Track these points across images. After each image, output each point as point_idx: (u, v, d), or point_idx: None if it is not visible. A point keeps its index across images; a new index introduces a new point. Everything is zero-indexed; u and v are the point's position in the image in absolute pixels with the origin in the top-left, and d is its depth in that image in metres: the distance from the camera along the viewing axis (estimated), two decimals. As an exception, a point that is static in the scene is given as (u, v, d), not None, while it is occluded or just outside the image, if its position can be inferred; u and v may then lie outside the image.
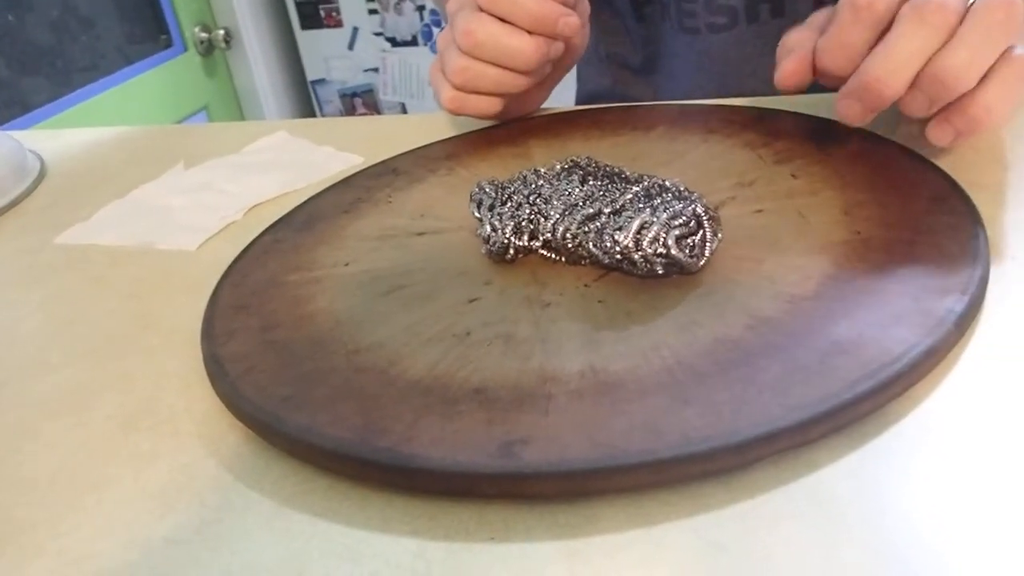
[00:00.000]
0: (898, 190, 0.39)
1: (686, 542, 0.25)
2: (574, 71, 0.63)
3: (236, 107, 2.11)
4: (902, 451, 0.27)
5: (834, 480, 0.26)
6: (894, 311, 0.31)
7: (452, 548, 0.27)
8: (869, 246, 0.35)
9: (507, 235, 0.39)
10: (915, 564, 0.23)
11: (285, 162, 0.60)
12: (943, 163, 0.42)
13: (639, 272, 0.36)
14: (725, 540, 0.25)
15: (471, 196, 0.43)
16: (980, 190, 0.39)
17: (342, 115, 2.11)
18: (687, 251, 0.36)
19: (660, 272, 0.36)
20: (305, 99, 2.21)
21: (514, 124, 0.56)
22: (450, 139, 0.55)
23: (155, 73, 1.87)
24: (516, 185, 0.42)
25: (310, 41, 2.05)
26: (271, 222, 0.48)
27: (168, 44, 1.91)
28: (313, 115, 2.17)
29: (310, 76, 2.10)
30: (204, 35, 1.98)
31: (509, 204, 0.41)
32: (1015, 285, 0.33)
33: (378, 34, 1.99)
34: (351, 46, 2.02)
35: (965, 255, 0.33)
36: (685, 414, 0.28)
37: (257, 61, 2.06)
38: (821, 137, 0.45)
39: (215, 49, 2.03)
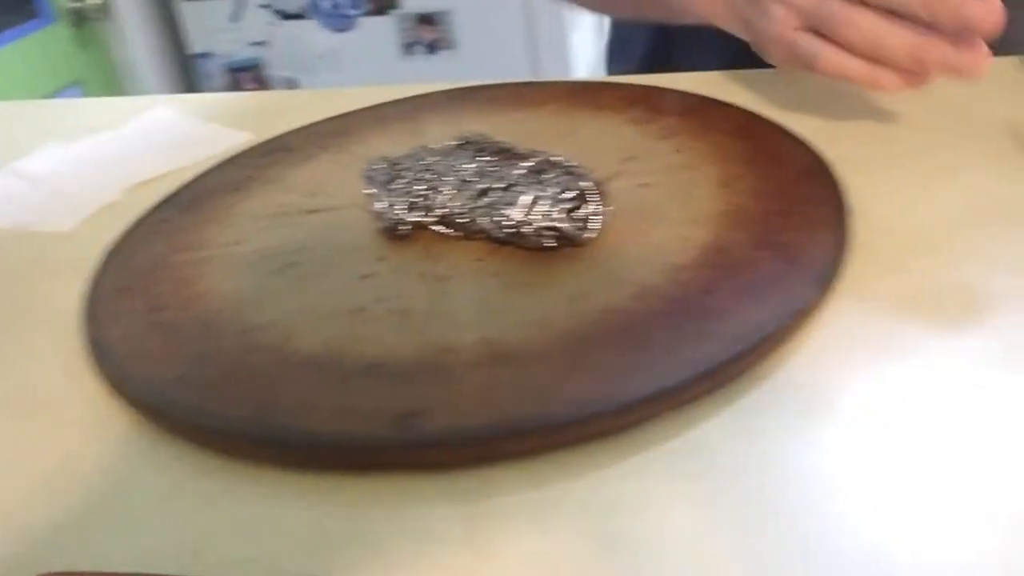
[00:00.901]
0: (772, 164, 0.41)
1: (580, 502, 0.27)
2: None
3: (114, 82, 2.01)
4: (774, 405, 0.29)
5: (715, 436, 0.28)
6: (767, 276, 0.33)
7: (352, 520, 0.27)
8: (745, 216, 0.37)
9: (400, 211, 0.39)
10: (793, 508, 0.25)
11: (168, 139, 0.58)
12: (811, 139, 0.45)
13: (530, 245, 0.37)
14: (618, 498, 0.27)
15: (364, 173, 0.43)
16: (845, 164, 0.42)
17: (228, 90, 2.04)
18: (576, 224, 0.37)
19: (551, 245, 0.37)
20: (188, 73, 2.12)
21: (408, 101, 0.56)
22: (342, 116, 0.55)
23: (20, 45, 1.76)
24: (409, 161, 0.42)
25: (192, 12, 1.97)
26: (154, 202, 0.47)
27: (33, 14, 1.80)
28: (197, 90, 2.09)
29: (193, 49, 2.02)
30: (75, 4, 1.87)
31: (402, 181, 0.41)
32: (875, 251, 0.36)
33: (265, 6, 1.92)
34: (236, 18, 1.95)
35: (831, 224, 0.36)
36: (576, 380, 0.29)
37: (134, 33, 1.96)
38: (702, 114, 0.47)
39: (87, 20, 1.92)
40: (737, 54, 0.53)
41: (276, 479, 0.29)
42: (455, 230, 0.39)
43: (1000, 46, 0.43)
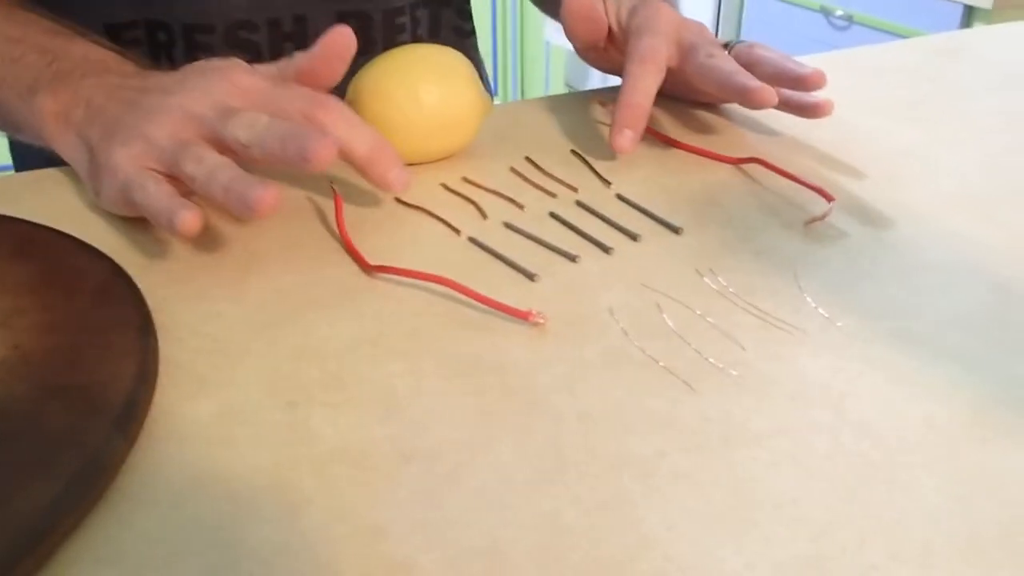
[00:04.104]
0: (63, 288, 0.36)
1: None
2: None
3: None
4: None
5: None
6: (59, 434, 0.28)
7: None
8: (29, 362, 0.32)
9: None
10: None
11: None
12: (114, 247, 0.41)
13: None
14: None
15: None
16: (148, 272, 0.39)
17: None
18: None
19: None
20: None
21: None
22: None
23: None
24: None
25: None
26: None
27: None
28: None
29: None
30: None
31: None
32: (183, 368, 0.34)
33: None
34: None
35: (133, 350, 0.33)
36: None
37: None
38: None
39: None
40: None
41: None
42: None
43: None
